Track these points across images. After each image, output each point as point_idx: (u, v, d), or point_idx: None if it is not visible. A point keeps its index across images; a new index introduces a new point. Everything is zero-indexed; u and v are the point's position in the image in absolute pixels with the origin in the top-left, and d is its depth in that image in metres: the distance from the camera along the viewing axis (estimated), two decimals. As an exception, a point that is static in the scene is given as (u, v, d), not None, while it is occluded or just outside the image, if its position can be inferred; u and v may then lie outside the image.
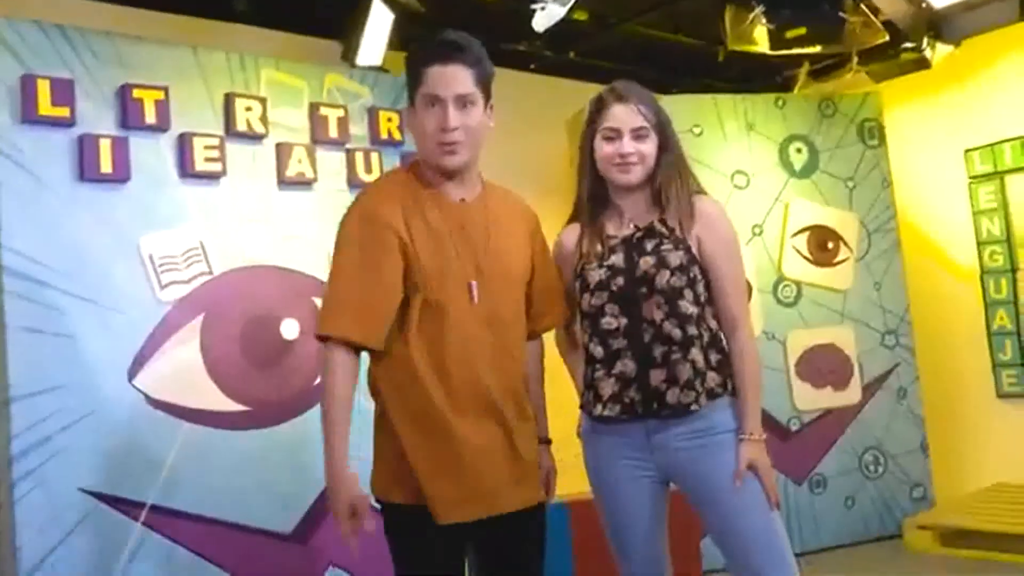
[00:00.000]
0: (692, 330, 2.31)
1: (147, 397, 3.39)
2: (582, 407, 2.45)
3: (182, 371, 3.47)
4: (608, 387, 2.34)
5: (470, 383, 2.17)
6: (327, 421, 2.13)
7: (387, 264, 2.16)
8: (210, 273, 3.59)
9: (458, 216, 2.24)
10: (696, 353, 2.30)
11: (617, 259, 2.37)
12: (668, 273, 2.31)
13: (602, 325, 2.36)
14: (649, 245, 2.36)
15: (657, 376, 2.29)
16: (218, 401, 3.54)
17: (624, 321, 2.33)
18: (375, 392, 2.25)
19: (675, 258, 2.32)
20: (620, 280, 2.34)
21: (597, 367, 2.37)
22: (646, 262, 2.33)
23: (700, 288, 2.35)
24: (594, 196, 2.47)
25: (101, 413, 3.28)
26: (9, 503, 3.10)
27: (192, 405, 3.48)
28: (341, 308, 2.15)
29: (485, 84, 2.23)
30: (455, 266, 2.19)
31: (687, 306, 2.31)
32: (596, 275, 2.37)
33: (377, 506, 2.23)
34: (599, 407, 2.36)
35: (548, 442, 2.44)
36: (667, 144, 2.42)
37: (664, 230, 2.37)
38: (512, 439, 2.22)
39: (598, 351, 2.37)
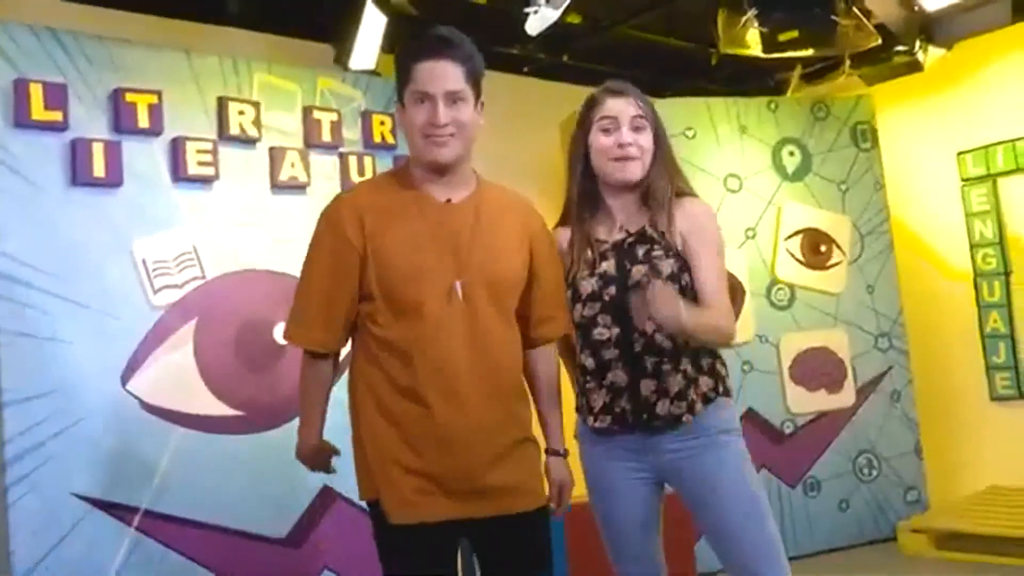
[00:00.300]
0: (682, 339, 2.30)
1: (140, 402, 3.38)
2: (577, 410, 2.45)
3: (175, 376, 3.46)
4: (600, 398, 2.34)
5: (444, 386, 2.14)
6: (300, 404, 2.31)
7: (346, 273, 2.18)
8: (203, 277, 3.58)
9: (440, 217, 2.20)
10: (686, 362, 2.29)
11: (608, 266, 2.35)
12: (660, 283, 2.30)
13: (594, 336, 2.34)
14: (640, 251, 2.34)
15: (648, 386, 2.29)
16: (212, 405, 3.53)
17: (616, 331, 2.32)
18: (351, 391, 2.26)
19: (666, 266, 2.30)
20: (612, 290, 2.33)
21: (588, 378, 2.36)
22: (638, 271, 2.31)
23: (691, 296, 2.34)
24: (584, 197, 2.44)
25: (94, 418, 3.26)
26: (3, 508, 3.09)
27: (186, 410, 3.47)
28: (300, 316, 2.25)
29: (476, 81, 2.20)
30: (434, 268, 2.16)
31: None
32: (588, 285, 2.35)
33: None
34: (591, 419, 2.35)
35: (559, 453, 2.36)
36: (660, 143, 2.41)
37: (655, 234, 2.35)
38: (495, 444, 2.17)
39: (589, 362, 2.36)
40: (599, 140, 2.37)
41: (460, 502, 2.14)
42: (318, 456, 2.34)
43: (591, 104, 2.42)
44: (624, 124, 2.35)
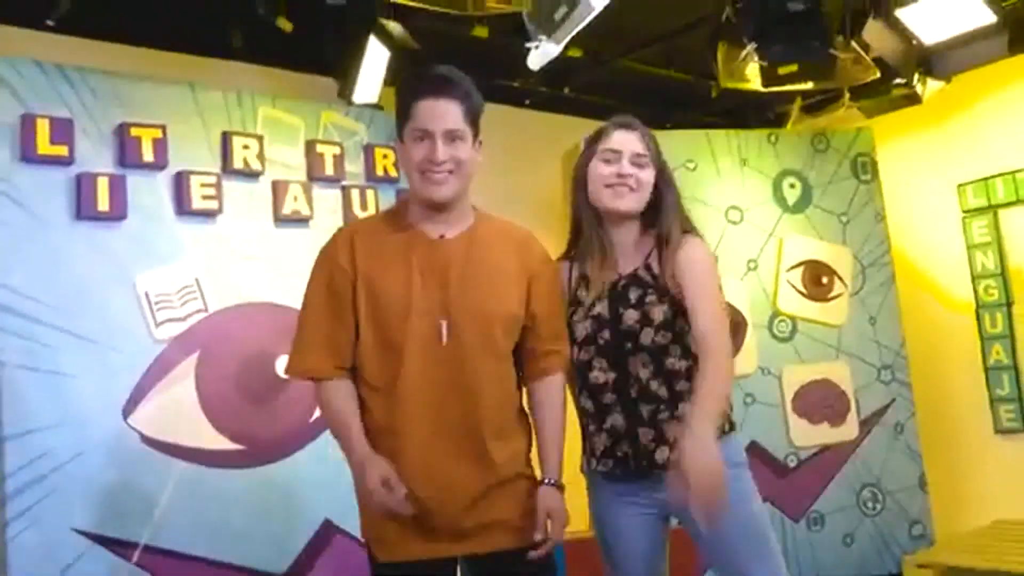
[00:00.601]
0: (681, 385, 2.28)
1: (142, 436, 3.37)
2: (582, 450, 2.43)
3: (177, 409, 3.45)
4: (601, 442, 2.33)
5: (420, 428, 2.14)
6: (337, 434, 2.21)
7: (342, 299, 2.20)
8: (205, 310, 3.59)
9: (431, 254, 2.21)
10: (685, 407, 2.26)
11: (602, 308, 2.33)
12: (652, 331, 2.28)
13: (591, 379, 2.33)
14: (633, 296, 2.32)
15: (646, 435, 2.28)
16: (213, 439, 3.52)
17: (612, 376, 2.31)
18: None
19: (659, 313, 2.28)
20: (606, 334, 2.32)
21: (589, 421, 2.36)
22: (630, 316, 2.30)
23: (689, 341, 2.31)
24: (583, 231, 2.43)
25: (95, 452, 3.25)
26: (2, 543, 3.07)
27: (187, 444, 3.46)
28: (299, 347, 2.25)
29: (474, 119, 2.22)
30: (420, 306, 2.17)
31: (674, 362, 2.29)
32: (582, 328, 2.34)
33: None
34: (593, 462, 2.35)
35: (551, 483, 2.27)
36: (666, 184, 2.39)
37: (648, 277, 2.33)
38: (471, 487, 2.16)
39: (588, 404, 2.35)
40: (598, 168, 2.37)
41: (441, 542, 2.15)
42: (391, 476, 2.09)
43: (597, 136, 2.43)
44: (625, 157, 2.35)
